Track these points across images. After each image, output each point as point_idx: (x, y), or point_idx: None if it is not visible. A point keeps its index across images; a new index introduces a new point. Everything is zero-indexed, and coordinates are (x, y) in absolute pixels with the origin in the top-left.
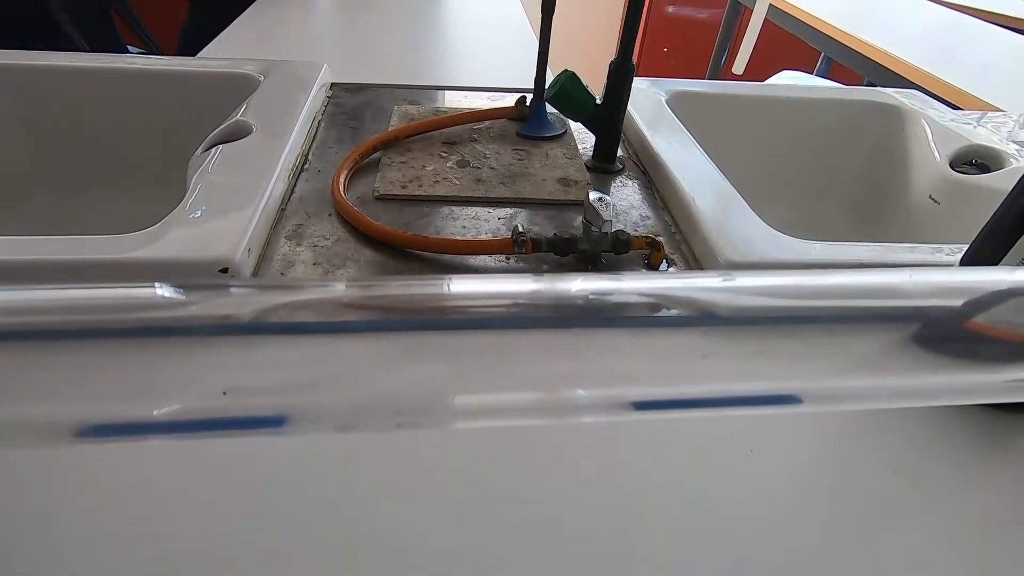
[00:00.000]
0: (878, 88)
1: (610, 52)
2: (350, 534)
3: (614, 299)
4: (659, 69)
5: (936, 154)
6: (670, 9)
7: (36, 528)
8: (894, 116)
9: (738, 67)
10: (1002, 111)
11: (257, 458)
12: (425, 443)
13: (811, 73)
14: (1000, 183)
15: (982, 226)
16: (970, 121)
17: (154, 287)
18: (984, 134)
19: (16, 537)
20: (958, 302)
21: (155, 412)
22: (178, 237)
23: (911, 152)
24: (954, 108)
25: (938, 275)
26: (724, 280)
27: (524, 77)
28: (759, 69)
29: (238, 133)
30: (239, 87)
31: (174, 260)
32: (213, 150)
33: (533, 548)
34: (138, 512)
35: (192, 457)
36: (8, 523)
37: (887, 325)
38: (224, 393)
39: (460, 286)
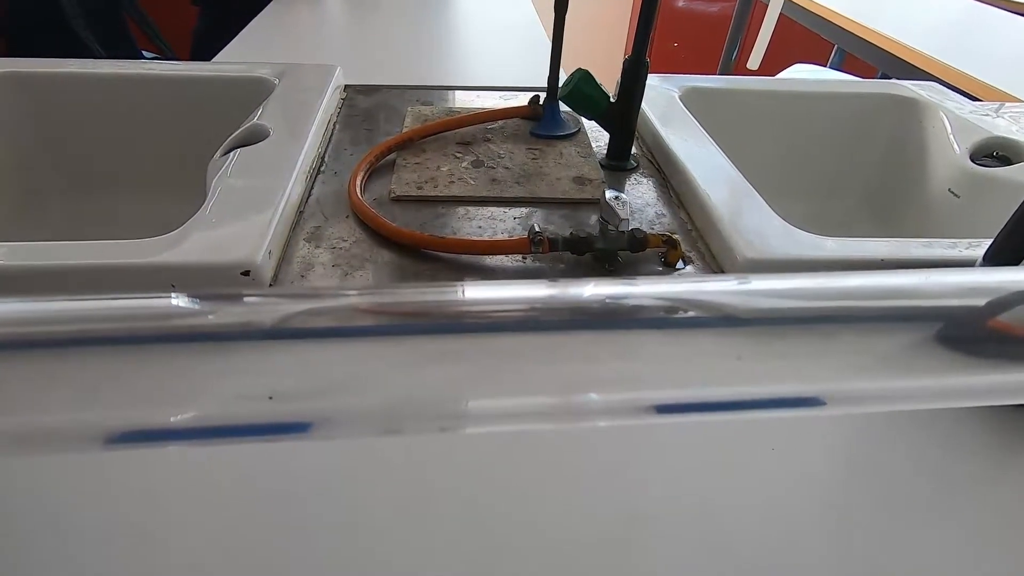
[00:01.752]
0: (894, 80)
1: (616, 49)
2: (352, 544)
3: (629, 303)
4: (668, 65)
5: (955, 147)
6: (680, 3)
7: (41, 533)
8: (911, 108)
9: (753, 62)
10: (1022, 101)
11: (255, 466)
12: (429, 451)
13: (824, 66)
14: (1022, 176)
15: (1005, 220)
16: (989, 112)
17: (182, 295)
18: (1004, 125)
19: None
20: (981, 301)
21: (191, 417)
22: (200, 241)
23: (929, 145)
24: (973, 99)
25: (959, 275)
26: (739, 283)
27: (535, 76)
28: (771, 63)
29: (255, 137)
30: (254, 90)
31: (196, 264)
32: (231, 154)
33: (539, 551)
34: (141, 519)
35: (194, 465)
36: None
37: (909, 326)
38: (270, 398)
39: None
